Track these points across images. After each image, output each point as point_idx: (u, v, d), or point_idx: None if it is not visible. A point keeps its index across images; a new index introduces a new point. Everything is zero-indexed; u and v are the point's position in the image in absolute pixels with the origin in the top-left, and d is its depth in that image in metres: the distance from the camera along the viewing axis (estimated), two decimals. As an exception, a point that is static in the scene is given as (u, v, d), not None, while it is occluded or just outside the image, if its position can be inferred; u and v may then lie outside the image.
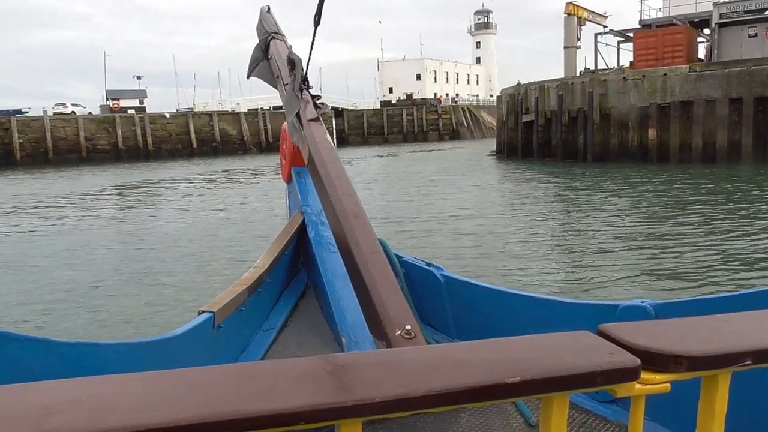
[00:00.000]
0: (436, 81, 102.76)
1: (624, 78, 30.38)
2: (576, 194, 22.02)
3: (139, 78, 76.17)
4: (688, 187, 22.04)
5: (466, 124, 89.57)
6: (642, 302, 2.42)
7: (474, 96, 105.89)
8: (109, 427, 0.79)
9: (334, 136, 76.94)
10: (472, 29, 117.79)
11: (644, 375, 1.06)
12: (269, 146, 66.95)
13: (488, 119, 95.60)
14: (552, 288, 9.49)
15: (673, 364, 1.08)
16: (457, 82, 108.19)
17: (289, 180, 4.70)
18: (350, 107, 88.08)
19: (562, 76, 38.14)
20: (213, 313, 2.71)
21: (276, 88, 4.57)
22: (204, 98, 76.94)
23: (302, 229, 4.17)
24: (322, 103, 4.12)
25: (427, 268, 3.64)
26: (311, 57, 4.03)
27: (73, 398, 0.87)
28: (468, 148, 62.58)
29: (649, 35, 36.69)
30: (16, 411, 0.83)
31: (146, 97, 71.30)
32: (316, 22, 3.75)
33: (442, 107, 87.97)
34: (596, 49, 44.32)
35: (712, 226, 14.49)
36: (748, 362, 1.11)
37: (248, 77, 4.94)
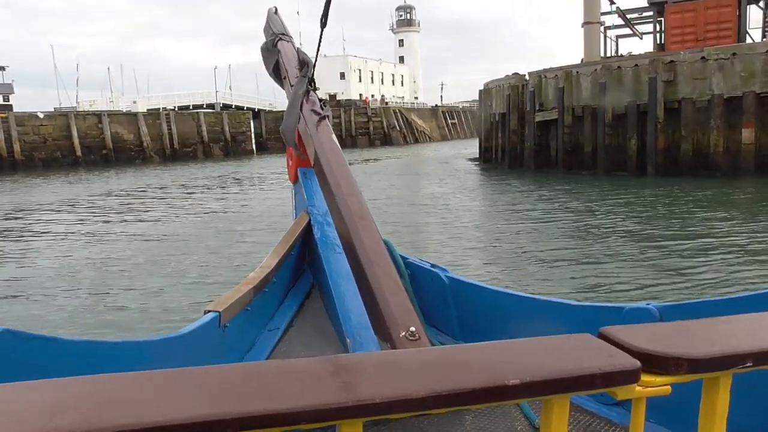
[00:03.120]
0: (360, 81, 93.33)
1: (702, 58, 21.72)
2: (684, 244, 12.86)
3: (2, 69, 60.20)
4: None
5: (398, 128, 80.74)
6: (647, 304, 2.37)
7: (399, 98, 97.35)
8: (116, 424, 0.81)
9: (252, 141, 66.39)
10: (394, 26, 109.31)
11: (645, 377, 1.06)
12: (175, 154, 55.20)
13: (419, 123, 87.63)
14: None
15: (674, 367, 1.07)
16: (382, 83, 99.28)
17: (295, 180, 4.56)
18: (267, 108, 77.08)
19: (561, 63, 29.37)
20: (219, 312, 2.68)
21: (283, 88, 4.57)
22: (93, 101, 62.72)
23: (308, 229, 4.06)
24: (324, 105, 4.12)
25: (432, 269, 3.59)
26: (317, 59, 4.17)
27: (82, 395, 0.89)
28: (414, 155, 53.33)
29: (687, 9, 28.57)
30: (26, 408, 0.84)
31: (12, 92, 56.95)
32: (323, 24, 3.77)
33: (372, 109, 78.64)
34: (602, 32, 35.96)
35: None
36: (749, 364, 1.11)
37: (270, 75, 4.86)
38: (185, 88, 70.62)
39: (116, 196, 26.14)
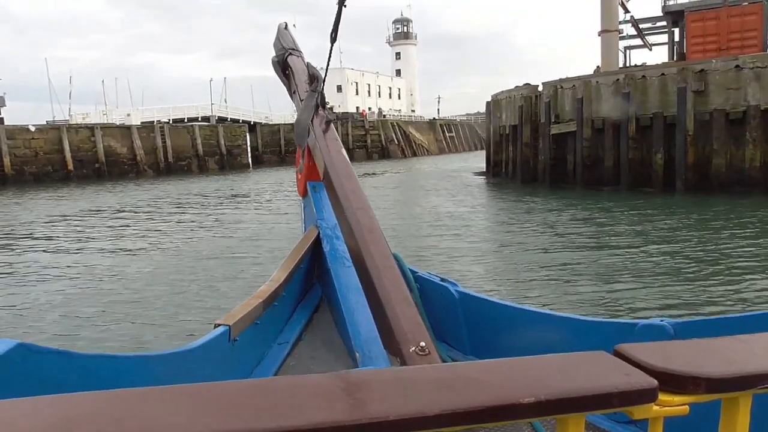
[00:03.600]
0: (357, 93, 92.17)
1: (737, 66, 20.47)
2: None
3: (-7, 80, 58.98)
4: None
5: (396, 142, 79.54)
6: (661, 321, 2.34)
7: (396, 111, 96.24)
8: None
9: (248, 155, 64.98)
10: (391, 39, 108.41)
11: (662, 396, 1.05)
12: (169, 167, 53.69)
13: (417, 136, 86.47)
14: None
15: (692, 386, 1.06)
16: (379, 96, 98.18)
17: (304, 194, 4.57)
18: (263, 121, 75.78)
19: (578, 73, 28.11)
20: (229, 326, 2.66)
21: (293, 101, 4.63)
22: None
23: (317, 243, 4.03)
24: (331, 114, 4.15)
25: (442, 283, 3.56)
26: (327, 73, 4.18)
27: (95, 411, 0.90)
28: (415, 169, 52.00)
29: (708, 17, 27.49)
30: (38, 423, 0.85)
31: (4, 105, 55.39)
32: (333, 39, 3.78)
33: (369, 122, 77.46)
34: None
35: None
36: None
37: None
38: (180, 102, 69.07)
39: (103, 215, 24.60)
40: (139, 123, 56.17)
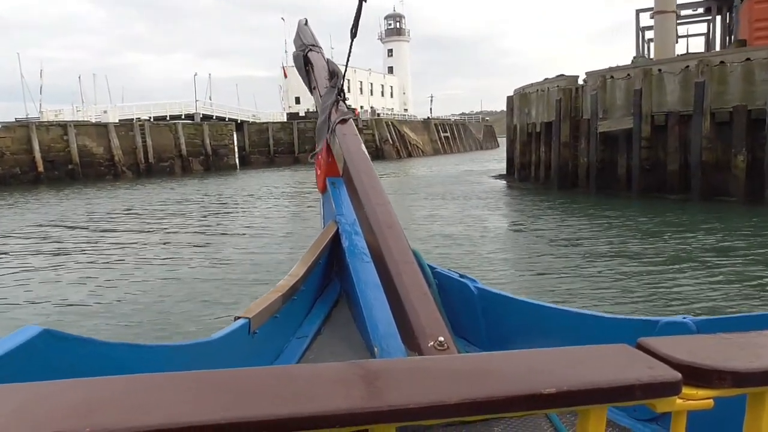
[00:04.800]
0: (349, 91, 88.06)
1: None
2: None
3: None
4: None
5: (391, 142, 75.78)
6: (684, 318, 2.33)
7: (389, 110, 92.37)
8: (149, 424, 0.82)
9: (236, 155, 60.80)
10: (383, 35, 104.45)
11: (686, 390, 1.03)
12: (150, 168, 49.45)
13: (412, 136, 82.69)
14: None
15: (717, 380, 1.04)
16: (371, 94, 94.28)
17: (323, 190, 4.59)
18: (250, 119, 71.59)
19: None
20: (249, 319, 2.70)
21: (313, 97, 4.67)
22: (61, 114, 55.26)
23: (336, 238, 4.06)
24: (352, 111, 4.19)
25: (461, 279, 3.57)
26: (347, 69, 4.16)
27: (116, 395, 0.90)
28: (416, 172, 48.11)
29: (775, -1, 23.72)
30: (62, 405, 0.86)
31: (-34, 100, 50.79)
32: (353, 35, 3.76)
33: (363, 121, 73.56)
34: (640, 32, 31.32)
35: None
36: None
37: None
38: (162, 99, 64.40)
39: (64, 227, 20.42)
40: (116, 121, 51.70)
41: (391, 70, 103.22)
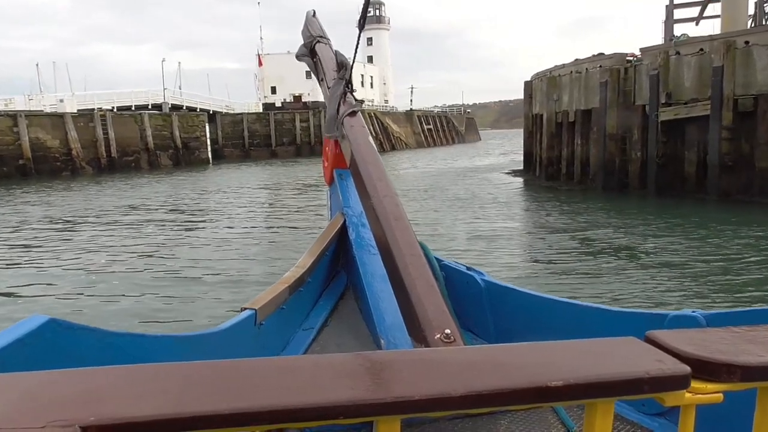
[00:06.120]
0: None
1: None
2: None
3: None
4: None
5: (374, 134, 70.88)
6: (693, 312, 2.29)
7: (369, 101, 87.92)
8: (154, 414, 0.82)
9: (208, 148, 55.91)
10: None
11: (695, 384, 1.02)
12: (112, 164, 44.58)
13: (395, 128, 78.52)
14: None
15: (726, 374, 1.03)
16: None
17: (331, 182, 4.58)
18: (224, 110, 66.62)
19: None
20: (255, 310, 2.71)
21: (321, 88, 4.67)
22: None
23: (343, 230, 4.07)
24: (359, 102, 4.26)
25: (468, 272, 3.56)
26: (355, 61, 4.22)
27: (122, 384, 0.91)
28: (411, 167, 43.88)
29: None
30: (68, 394, 0.87)
31: None
32: (361, 26, 3.80)
33: (344, 112, 69.02)
34: (671, 9, 27.50)
35: None
36: None
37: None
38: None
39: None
40: (75, 111, 46.44)
41: (370, 59, 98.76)
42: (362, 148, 3.66)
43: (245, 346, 2.62)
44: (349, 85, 4.12)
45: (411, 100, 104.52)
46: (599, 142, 20.52)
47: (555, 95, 23.56)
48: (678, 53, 17.90)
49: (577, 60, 23.17)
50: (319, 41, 4.58)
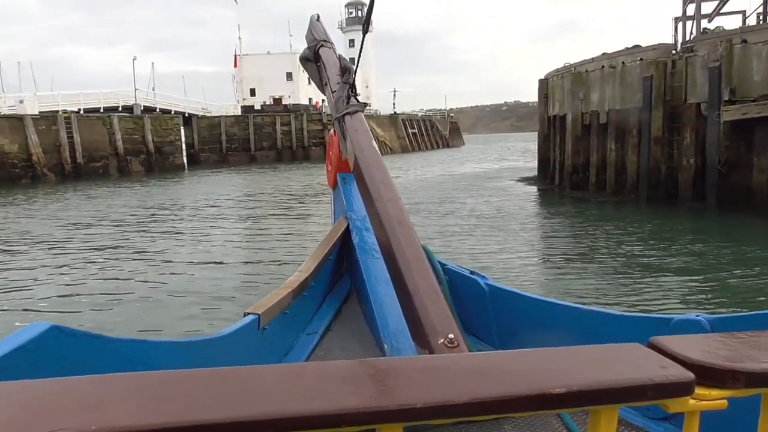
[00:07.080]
0: (310, 83, 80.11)
1: None
2: None
3: None
4: None
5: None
6: (697, 316, 2.26)
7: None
8: (157, 422, 0.82)
9: (183, 153, 52.39)
10: (344, 25, 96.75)
11: (699, 390, 1.02)
12: (78, 170, 41.05)
13: (379, 132, 75.46)
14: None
15: (731, 380, 1.03)
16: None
17: (334, 186, 4.62)
18: (200, 113, 63.11)
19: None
20: (258, 315, 2.69)
21: (324, 93, 4.67)
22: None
23: (346, 234, 4.10)
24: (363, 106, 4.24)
25: (471, 276, 3.56)
26: (358, 65, 4.26)
27: (127, 392, 0.91)
28: (403, 174, 40.81)
29: None
30: (71, 402, 0.86)
31: None
32: (365, 30, 3.85)
33: (327, 115, 65.91)
34: (697, 2, 24.80)
35: None
36: None
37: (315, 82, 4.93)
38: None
39: None
40: (36, 113, 42.66)
41: (353, 61, 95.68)
42: (366, 151, 3.59)
43: (248, 351, 2.62)
44: (353, 89, 4.12)
45: (394, 104, 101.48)
46: (639, 147, 17.61)
47: (581, 93, 20.59)
48: (745, 41, 15.06)
49: (605, 54, 20.28)
50: (323, 45, 4.55)
